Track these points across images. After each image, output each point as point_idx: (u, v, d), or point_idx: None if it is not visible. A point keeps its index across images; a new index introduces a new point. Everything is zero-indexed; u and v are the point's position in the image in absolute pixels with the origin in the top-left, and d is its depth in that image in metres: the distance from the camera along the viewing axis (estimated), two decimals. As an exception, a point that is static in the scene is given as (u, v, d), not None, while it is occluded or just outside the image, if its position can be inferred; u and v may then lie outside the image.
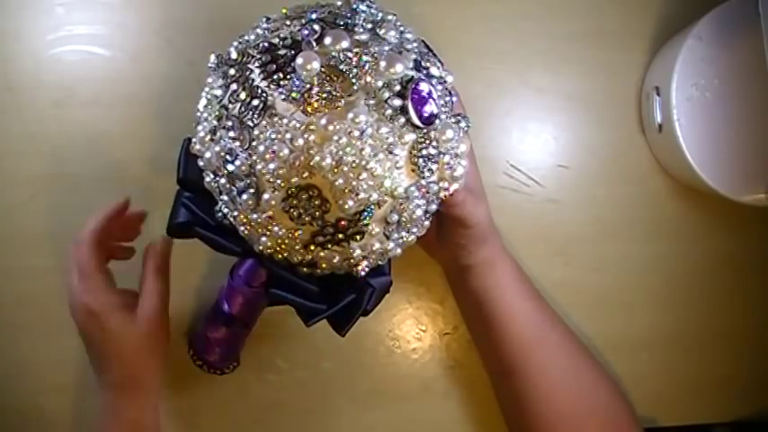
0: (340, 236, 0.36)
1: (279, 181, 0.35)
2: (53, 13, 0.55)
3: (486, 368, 0.53)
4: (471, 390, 0.55)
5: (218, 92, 0.37)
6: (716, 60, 0.50)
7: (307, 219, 0.35)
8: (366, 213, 0.36)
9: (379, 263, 0.40)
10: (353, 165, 0.34)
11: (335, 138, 0.34)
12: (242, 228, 0.38)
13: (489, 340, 0.49)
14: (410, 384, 0.55)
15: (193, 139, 0.39)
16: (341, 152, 0.34)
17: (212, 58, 0.38)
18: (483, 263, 0.47)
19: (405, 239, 0.39)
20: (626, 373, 0.55)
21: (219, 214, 0.40)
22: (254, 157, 0.35)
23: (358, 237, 0.36)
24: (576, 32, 0.56)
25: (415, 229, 0.39)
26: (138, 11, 0.56)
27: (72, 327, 0.54)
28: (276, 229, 0.36)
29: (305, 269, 0.39)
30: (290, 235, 0.36)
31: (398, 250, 0.39)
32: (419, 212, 0.38)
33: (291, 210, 0.35)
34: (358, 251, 0.37)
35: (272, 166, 0.34)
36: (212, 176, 0.39)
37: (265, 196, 0.35)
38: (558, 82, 0.56)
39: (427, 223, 0.40)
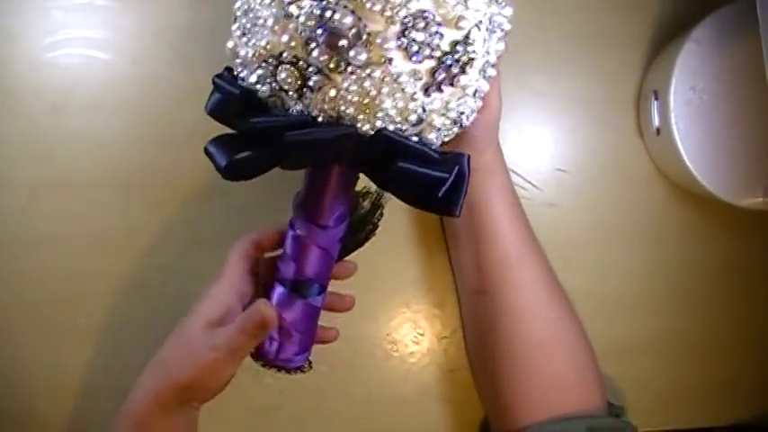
0: (454, 70, 0.35)
1: (389, 12, 0.33)
2: (50, 16, 0.55)
3: (460, 288, 0.53)
4: (469, 394, 0.55)
5: None
6: (714, 64, 0.50)
7: (426, 52, 0.34)
8: (471, 38, 0.35)
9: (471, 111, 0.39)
10: None
11: None
12: (347, 108, 0.35)
13: (473, 253, 0.48)
14: (408, 388, 0.55)
15: (260, 31, 0.35)
16: None
17: None
18: (485, 166, 0.47)
19: (489, 75, 0.38)
20: (626, 376, 0.55)
21: (296, 110, 0.36)
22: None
23: (468, 67, 0.35)
24: (574, 36, 0.56)
25: (491, 70, 0.38)
26: (137, 14, 0.56)
27: (69, 330, 0.54)
28: (394, 77, 0.34)
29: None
30: (411, 80, 0.34)
31: (485, 88, 0.38)
32: (501, 46, 0.38)
33: (410, 45, 0.33)
34: (469, 87, 0.36)
35: None
36: (289, 67, 0.35)
37: (378, 40, 0.33)
38: (557, 85, 0.56)
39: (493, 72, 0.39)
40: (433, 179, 0.36)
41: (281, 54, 0.35)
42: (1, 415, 0.54)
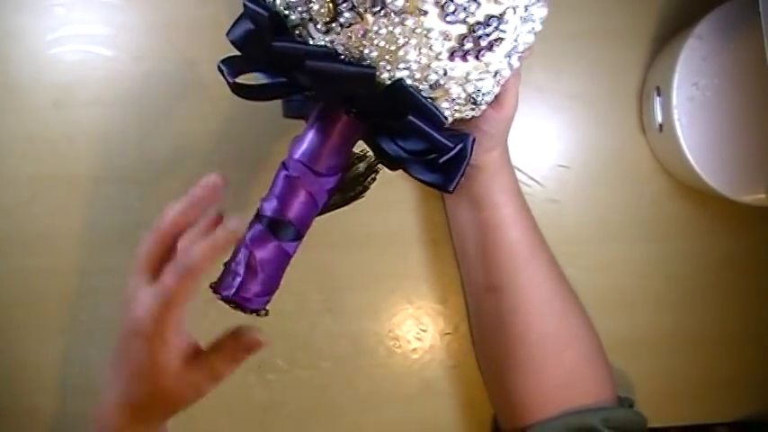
0: (483, 43, 0.35)
1: None
2: (53, 13, 0.55)
3: (467, 285, 0.52)
4: (472, 390, 0.55)
5: None
6: (716, 60, 0.50)
7: (461, 15, 0.34)
8: (506, 17, 0.35)
9: (490, 92, 0.39)
10: None
11: None
12: (372, 51, 0.35)
13: (483, 249, 0.48)
14: (410, 385, 0.55)
15: None
16: None
17: None
18: (493, 164, 0.47)
19: (512, 64, 0.38)
20: (629, 372, 0.55)
21: (320, 43, 0.36)
22: None
23: (495, 46, 0.35)
24: (576, 32, 0.56)
25: (516, 60, 0.38)
26: (139, 10, 0.56)
27: (70, 327, 0.54)
28: (424, 31, 0.34)
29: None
30: (440, 38, 0.34)
31: (506, 72, 0.38)
32: (530, 39, 0.37)
33: (447, 4, 0.33)
34: (492, 66, 0.36)
35: None
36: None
37: None
38: (559, 81, 0.56)
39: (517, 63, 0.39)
40: (438, 144, 0.37)
41: None
42: (2, 412, 0.54)
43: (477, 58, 0.35)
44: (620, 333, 0.55)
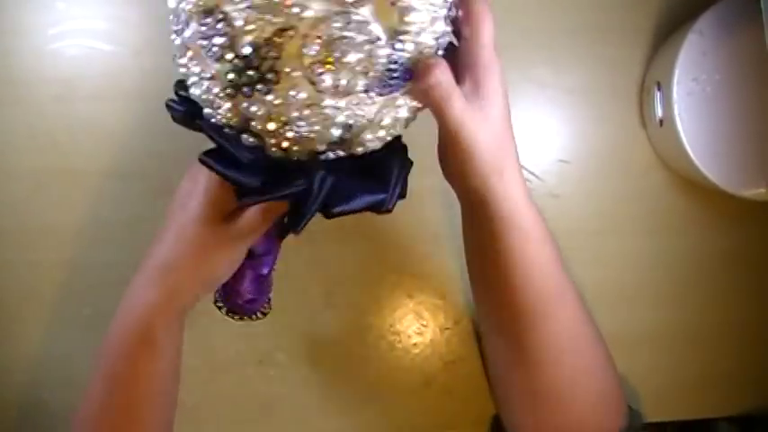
0: (250, 72, 0.30)
1: (188, 6, 0.31)
2: (54, 7, 0.55)
3: (484, 326, 0.49)
4: (472, 385, 0.55)
5: None
6: (717, 55, 0.50)
7: (215, 50, 0.31)
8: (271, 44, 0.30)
9: (340, 136, 0.33)
10: None
11: None
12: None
13: (501, 296, 0.42)
14: (411, 379, 0.55)
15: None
16: None
17: None
18: (497, 195, 0.38)
19: (359, 99, 0.31)
20: (628, 368, 0.55)
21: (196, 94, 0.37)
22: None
23: (270, 76, 0.30)
24: (577, 27, 0.56)
25: (374, 86, 0.31)
26: (139, 5, 0.56)
27: (74, 321, 0.54)
28: (198, 70, 0.33)
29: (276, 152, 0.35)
30: (214, 81, 0.32)
31: (346, 116, 0.32)
32: (360, 56, 0.29)
33: (202, 40, 0.31)
34: (278, 101, 0.31)
35: None
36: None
37: (186, 34, 0.32)
38: (560, 77, 0.56)
39: (396, 81, 0.32)
40: (234, 182, 0.36)
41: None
42: (8, 406, 0.54)
43: (249, 96, 0.33)
44: (620, 327, 0.55)
